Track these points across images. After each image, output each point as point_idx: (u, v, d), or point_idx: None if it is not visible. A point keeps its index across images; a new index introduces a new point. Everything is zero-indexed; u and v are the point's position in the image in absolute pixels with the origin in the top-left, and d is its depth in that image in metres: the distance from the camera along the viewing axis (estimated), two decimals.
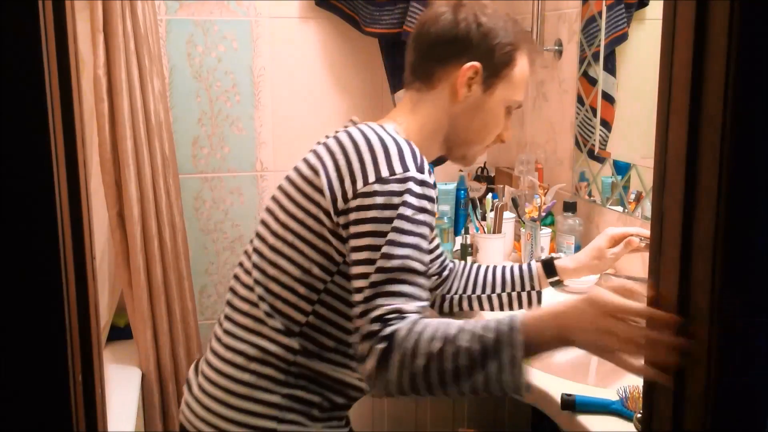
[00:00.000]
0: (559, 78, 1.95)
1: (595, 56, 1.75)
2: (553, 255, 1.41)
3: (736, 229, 0.56)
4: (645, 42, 1.61)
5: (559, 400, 1.09)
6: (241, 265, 1.18)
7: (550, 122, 2.02)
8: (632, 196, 1.64)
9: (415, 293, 0.99)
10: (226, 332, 1.15)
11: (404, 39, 1.98)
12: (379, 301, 0.97)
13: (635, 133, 1.67)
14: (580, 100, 1.84)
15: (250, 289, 1.13)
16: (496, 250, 1.81)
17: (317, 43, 2.16)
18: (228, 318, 1.16)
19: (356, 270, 1.01)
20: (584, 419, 1.06)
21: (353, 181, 1.04)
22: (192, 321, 1.97)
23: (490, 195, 1.97)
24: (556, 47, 1.92)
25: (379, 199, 1.01)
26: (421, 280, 1.00)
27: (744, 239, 0.56)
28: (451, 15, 1.17)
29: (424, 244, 1.02)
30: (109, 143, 1.81)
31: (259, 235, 1.16)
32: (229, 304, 1.17)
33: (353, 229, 1.02)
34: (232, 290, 1.18)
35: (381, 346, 0.94)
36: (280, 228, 1.11)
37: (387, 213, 1.01)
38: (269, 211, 1.16)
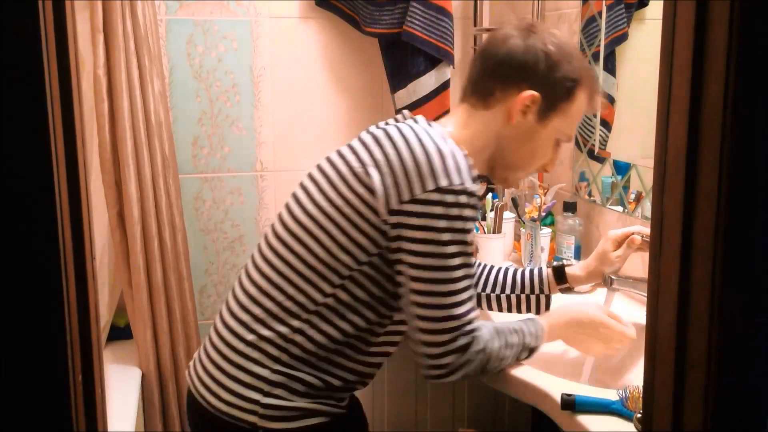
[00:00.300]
0: None
1: (595, 56, 1.75)
2: (564, 262, 1.44)
3: (736, 229, 0.56)
4: (645, 42, 1.61)
5: (559, 400, 1.09)
6: (265, 237, 1.21)
7: None
8: (632, 196, 1.64)
9: (473, 296, 1.14)
10: (235, 299, 1.19)
11: (404, 39, 1.98)
12: (457, 311, 1.10)
13: (635, 133, 1.67)
14: None
15: (269, 262, 1.16)
16: (496, 250, 1.81)
17: (317, 43, 2.16)
18: (241, 285, 1.20)
19: (420, 275, 1.08)
20: (584, 419, 1.06)
21: (409, 184, 1.07)
22: (192, 321, 1.97)
23: (490, 195, 1.97)
24: None
25: (439, 210, 1.06)
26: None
27: (744, 239, 0.56)
28: (521, 40, 1.18)
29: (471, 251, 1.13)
30: (109, 143, 1.81)
31: (288, 208, 1.19)
32: (247, 274, 1.20)
33: (409, 234, 1.07)
34: (252, 259, 1.21)
35: (478, 357, 1.12)
36: (314, 209, 1.14)
37: (443, 223, 1.06)
38: (304, 188, 1.18)
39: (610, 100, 1.74)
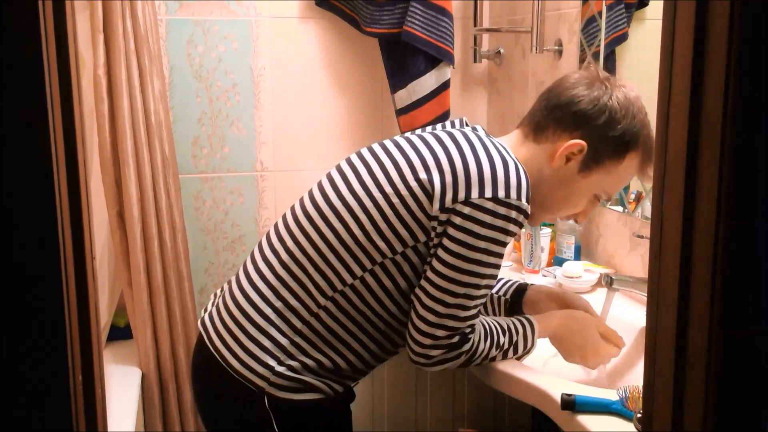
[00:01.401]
0: None
1: (595, 56, 1.75)
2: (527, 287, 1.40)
3: (736, 229, 0.56)
4: (645, 42, 1.61)
5: (559, 400, 1.09)
6: (301, 203, 1.21)
7: None
8: (632, 196, 1.64)
9: (481, 305, 1.16)
10: (264, 258, 1.20)
11: (404, 39, 1.98)
12: (461, 314, 1.12)
13: None
14: None
15: (303, 230, 1.17)
16: None
17: (317, 43, 2.16)
18: (270, 244, 1.21)
19: (443, 271, 1.10)
20: (584, 419, 1.06)
21: (468, 186, 1.08)
22: (192, 321, 1.97)
23: None
24: (556, 47, 1.92)
25: (488, 218, 1.08)
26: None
27: (744, 239, 0.56)
28: (587, 89, 1.16)
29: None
30: (109, 143, 1.81)
31: (331, 180, 1.19)
32: (278, 234, 1.20)
33: (450, 232, 1.09)
34: (285, 220, 1.21)
35: (461, 357, 1.16)
36: (361, 189, 1.14)
37: (485, 232, 1.08)
38: (351, 166, 1.19)
39: None
